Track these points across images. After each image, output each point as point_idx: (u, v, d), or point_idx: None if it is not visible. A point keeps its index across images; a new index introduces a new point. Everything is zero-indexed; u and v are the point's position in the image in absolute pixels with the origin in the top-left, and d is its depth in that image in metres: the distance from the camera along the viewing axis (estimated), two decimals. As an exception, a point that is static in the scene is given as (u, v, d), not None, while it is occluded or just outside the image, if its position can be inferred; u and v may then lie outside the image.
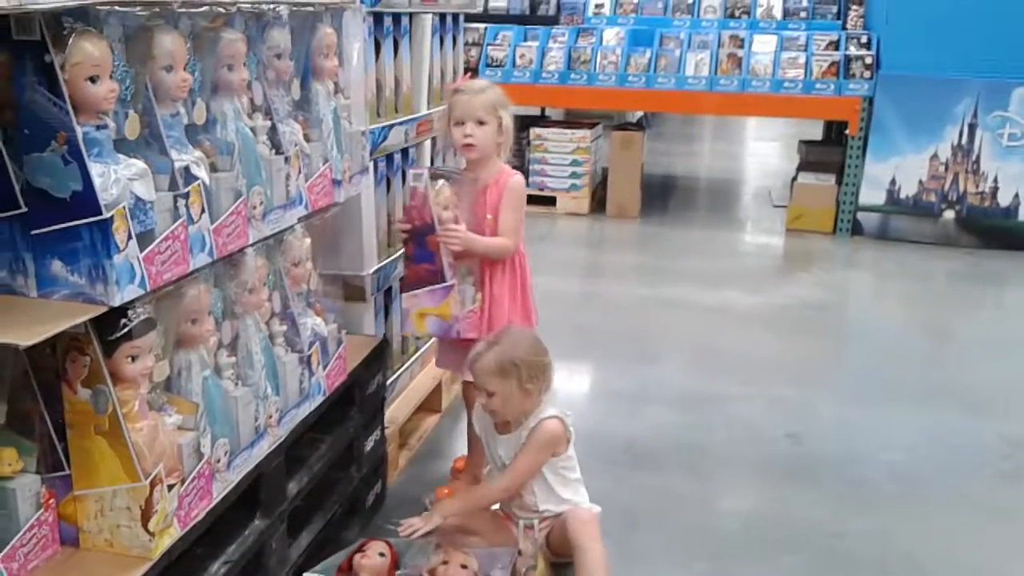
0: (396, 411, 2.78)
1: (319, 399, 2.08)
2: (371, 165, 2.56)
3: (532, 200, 6.42)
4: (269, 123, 1.86)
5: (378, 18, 2.63)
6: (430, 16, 2.97)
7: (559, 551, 2.25)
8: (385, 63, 2.68)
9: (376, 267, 2.62)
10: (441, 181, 2.36)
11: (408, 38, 2.85)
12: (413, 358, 2.98)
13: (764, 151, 9.76)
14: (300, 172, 1.93)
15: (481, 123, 2.33)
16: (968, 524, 2.60)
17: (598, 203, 6.43)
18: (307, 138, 2.00)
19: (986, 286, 5.11)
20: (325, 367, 2.09)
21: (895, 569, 2.37)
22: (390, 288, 2.79)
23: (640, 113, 8.30)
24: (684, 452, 3.00)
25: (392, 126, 2.68)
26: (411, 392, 2.93)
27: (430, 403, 3.06)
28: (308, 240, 2.02)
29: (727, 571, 2.32)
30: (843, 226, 5.85)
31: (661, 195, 7.23)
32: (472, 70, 6.12)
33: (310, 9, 2.03)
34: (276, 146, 1.88)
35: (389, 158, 2.72)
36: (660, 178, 7.79)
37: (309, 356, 2.00)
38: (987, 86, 5.45)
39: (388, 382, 2.74)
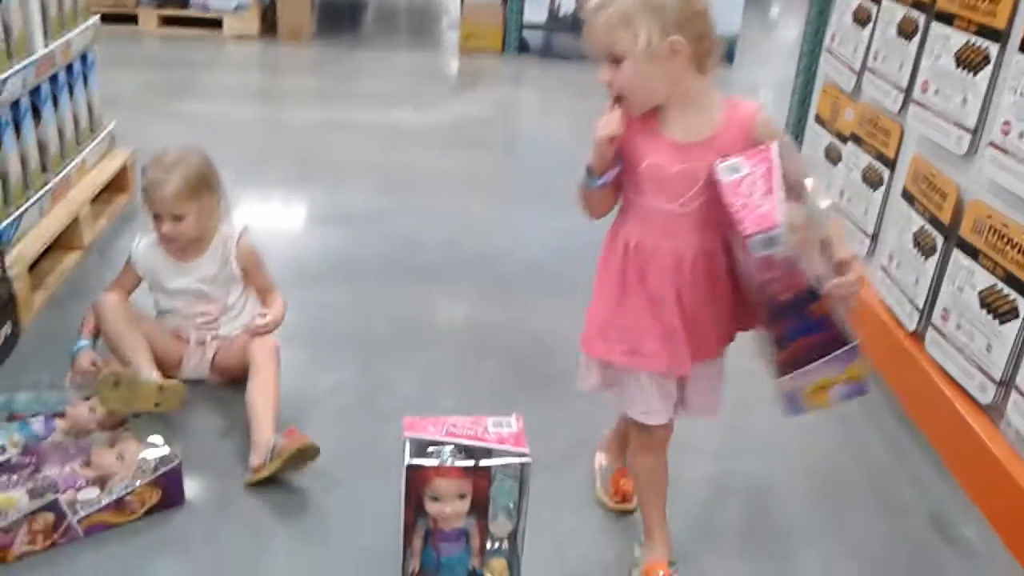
0: (24, 250, 2.58)
1: (-96, 239, 1.89)
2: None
3: (195, 23, 6.01)
4: None
5: None
6: None
7: (227, 373, 2.31)
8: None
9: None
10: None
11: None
12: (41, 192, 2.76)
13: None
14: None
15: (616, 59, 1.49)
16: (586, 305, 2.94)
17: (269, 26, 6.13)
18: None
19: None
20: (-94, 203, 1.89)
21: (524, 350, 2.65)
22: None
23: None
24: (345, 266, 3.09)
25: (7, 79, 2.38)
26: (43, 229, 2.73)
27: (68, 241, 2.88)
28: None
29: (372, 370, 2.48)
30: (511, 44, 6.03)
31: (337, 18, 7.00)
32: None
33: None
34: None
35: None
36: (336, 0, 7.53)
37: None
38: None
39: (9, 220, 2.54)
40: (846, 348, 1.52)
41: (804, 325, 1.52)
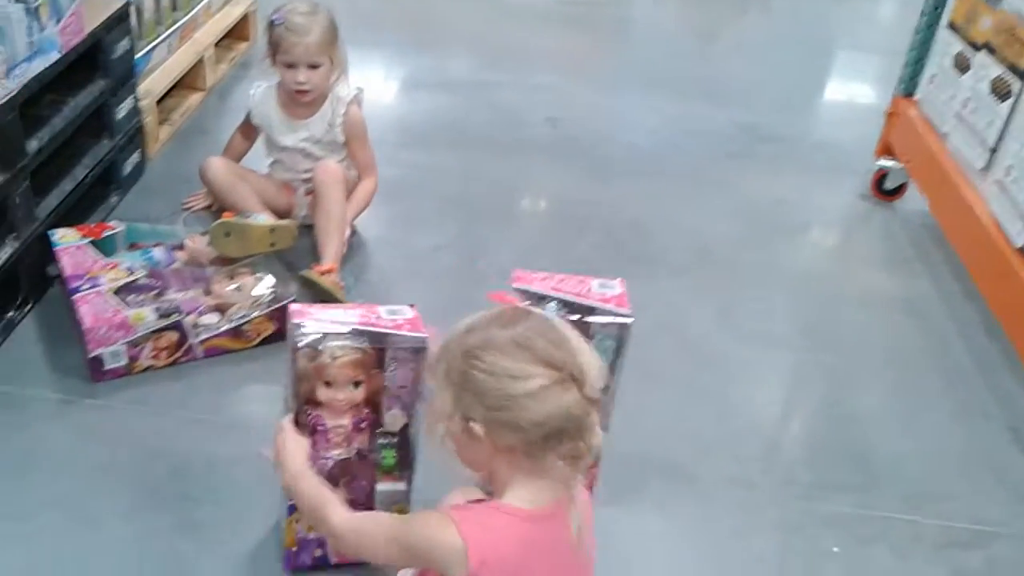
0: (153, 84, 2.70)
1: (54, 55, 2.00)
2: None
3: None
4: None
5: None
6: None
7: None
8: None
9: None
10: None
11: None
12: (171, 30, 2.86)
13: None
14: None
15: None
16: (691, 194, 2.94)
17: None
18: None
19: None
20: (58, 22, 1.99)
21: (619, 229, 2.68)
22: (136, -50, 2.60)
23: None
24: (449, 132, 3.15)
25: None
26: (170, 67, 2.84)
27: (192, 80, 3.00)
28: None
29: (473, 231, 2.56)
30: (630, -76, 5.84)
31: None
32: None
33: None
34: None
35: None
36: None
37: (37, 7, 1.90)
38: None
39: (142, 53, 2.65)
40: None
41: None
